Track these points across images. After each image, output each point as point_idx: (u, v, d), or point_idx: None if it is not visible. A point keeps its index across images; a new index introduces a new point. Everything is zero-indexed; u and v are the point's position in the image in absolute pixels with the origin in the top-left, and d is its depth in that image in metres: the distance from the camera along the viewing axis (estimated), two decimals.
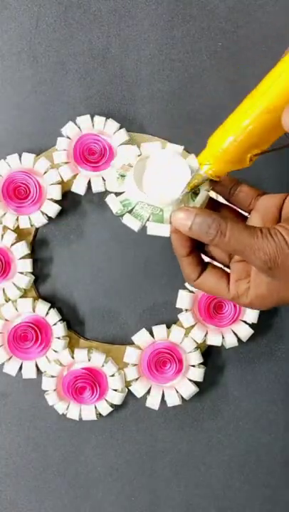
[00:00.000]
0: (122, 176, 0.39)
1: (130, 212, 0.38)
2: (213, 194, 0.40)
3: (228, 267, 0.39)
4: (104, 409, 0.52)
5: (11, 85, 0.54)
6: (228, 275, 0.38)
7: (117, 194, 0.39)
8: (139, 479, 0.54)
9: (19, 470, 0.54)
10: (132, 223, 0.37)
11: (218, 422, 0.54)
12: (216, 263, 0.40)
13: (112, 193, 0.39)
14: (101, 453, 0.54)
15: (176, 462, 0.54)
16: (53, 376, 0.52)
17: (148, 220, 0.37)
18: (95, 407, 0.52)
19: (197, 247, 0.38)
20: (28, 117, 0.54)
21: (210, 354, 0.54)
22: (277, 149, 0.36)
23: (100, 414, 0.52)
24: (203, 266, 0.39)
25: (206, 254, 0.40)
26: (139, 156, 0.40)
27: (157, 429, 0.54)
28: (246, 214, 0.40)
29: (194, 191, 0.38)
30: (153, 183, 0.38)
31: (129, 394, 0.52)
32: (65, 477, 0.54)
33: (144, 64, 0.54)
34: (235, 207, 0.40)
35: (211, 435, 0.54)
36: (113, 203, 0.38)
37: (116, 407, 0.53)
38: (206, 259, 0.40)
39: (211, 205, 0.40)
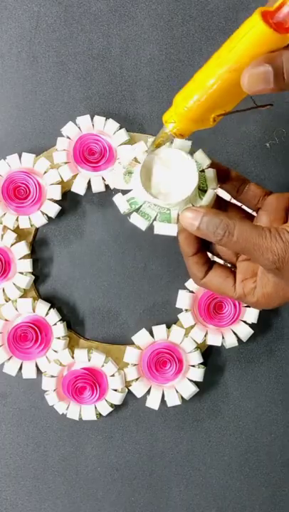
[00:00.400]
0: (130, 172, 0.39)
1: (137, 211, 0.37)
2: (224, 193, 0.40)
3: (235, 265, 0.39)
4: (104, 409, 0.52)
5: (10, 85, 0.54)
6: (234, 274, 0.38)
7: (124, 192, 0.38)
8: (139, 479, 0.54)
9: (19, 470, 0.54)
10: (140, 222, 0.37)
11: (218, 422, 0.54)
12: (222, 262, 0.40)
13: (118, 191, 0.38)
14: (101, 453, 0.54)
15: (176, 462, 0.54)
16: (53, 376, 0.52)
17: (155, 219, 0.37)
18: (95, 407, 0.52)
19: (204, 246, 0.38)
20: (28, 117, 0.54)
21: (210, 354, 0.54)
22: (241, 111, 0.35)
23: (100, 414, 0.52)
24: (210, 265, 0.39)
25: (213, 253, 0.40)
26: (146, 151, 0.39)
27: (157, 429, 0.54)
28: (253, 213, 0.40)
29: (202, 189, 0.38)
30: (160, 182, 0.37)
31: (129, 394, 0.52)
32: (65, 477, 0.54)
33: (144, 64, 0.54)
34: (242, 205, 0.40)
35: (211, 435, 0.54)
36: (121, 202, 0.38)
37: (116, 407, 0.53)
38: (213, 258, 0.40)
39: (218, 203, 0.40)
